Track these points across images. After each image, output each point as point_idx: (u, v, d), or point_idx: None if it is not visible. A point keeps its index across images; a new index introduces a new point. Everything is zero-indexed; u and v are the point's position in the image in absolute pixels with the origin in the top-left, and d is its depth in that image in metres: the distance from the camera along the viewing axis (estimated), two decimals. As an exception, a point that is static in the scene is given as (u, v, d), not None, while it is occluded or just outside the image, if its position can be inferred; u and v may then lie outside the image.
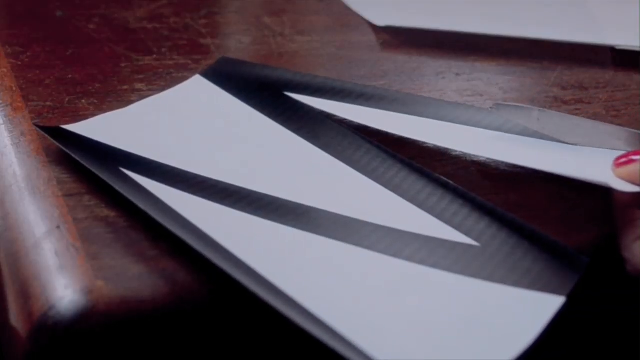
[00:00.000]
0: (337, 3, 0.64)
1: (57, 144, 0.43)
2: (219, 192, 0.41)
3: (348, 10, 0.63)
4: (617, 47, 0.58)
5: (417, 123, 0.47)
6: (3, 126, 0.46)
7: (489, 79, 0.54)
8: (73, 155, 0.42)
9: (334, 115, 0.47)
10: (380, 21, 0.60)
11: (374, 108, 0.48)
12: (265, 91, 0.49)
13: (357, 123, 0.47)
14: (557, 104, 0.52)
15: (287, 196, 0.41)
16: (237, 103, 0.48)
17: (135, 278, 0.37)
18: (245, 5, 0.64)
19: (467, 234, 0.40)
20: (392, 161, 0.44)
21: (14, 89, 0.49)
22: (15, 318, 0.37)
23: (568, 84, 0.54)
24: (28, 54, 0.53)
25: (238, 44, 0.58)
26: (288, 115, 0.47)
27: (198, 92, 0.50)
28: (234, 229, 0.39)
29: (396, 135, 0.46)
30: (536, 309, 0.36)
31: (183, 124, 0.47)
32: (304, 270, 0.37)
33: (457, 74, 0.55)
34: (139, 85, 0.50)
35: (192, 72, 0.52)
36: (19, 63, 0.52)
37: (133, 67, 0.53)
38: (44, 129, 0.45)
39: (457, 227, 0.40)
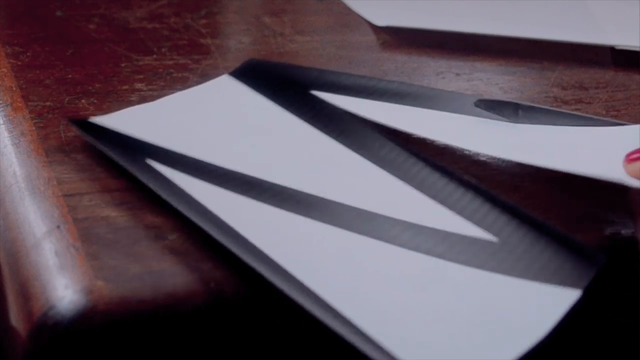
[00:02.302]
0: (337, 3, 0.64)
1: (86, 136, 0.44)
2: (243, 185, 0.42)
3: (348, 10, 0.63)
4: (617, 47, 0.58)
5: (440, 119, 0.47)
6: (3, 126, 0.46)
7: (489, 79, 0.54)
8: (100, 147, 0.43)
9: (358, 114, 0.48)
10: (380, 21, 0.60)
11: (398, 104, 0.49)
12: (291, 90, 0.49)
13: (380, 121, 0.47)
14: (557, 104, 0.52)
15: (310, 190, 0.42)
16: (263, 101, 0.49)
17: (135, 278, 0.36)
18: (245, 5, 0.64)
19: (486, 229, 0.40)
20: (415, 159, 0.44)
21: (14, 89, 0.49)
22: (15, 318, 0.37)
23: (568, 84, 0.54)
24: (28, 54, 0.53)
25: (238, 44, 0.58)
26: (313, 114, 0.48)
27: (225, 89, 0.50)
28: (257, 220, 0.40)
29: (414, 133, 0.46)
30: (553, 301, 0.36)
31: (209, 119, 0.47)
32: (324, 262, 0.38)
33: (457, 74, 0.55)
34: (139, 85, 0.50)
35: (192, 72, 0.52)
36: (19, 63, 0.52)
37: (133, 67, 0.53)
38: (74, 121, 0.45)
39: (477, 223, 0.40)
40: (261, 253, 0.37)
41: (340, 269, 0.38)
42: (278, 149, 0.45)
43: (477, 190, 0.42)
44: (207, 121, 0.47)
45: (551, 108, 0.48)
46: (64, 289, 0.36)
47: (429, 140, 0.46)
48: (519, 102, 0.48)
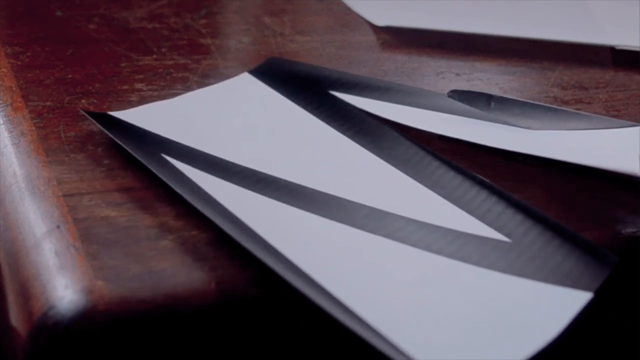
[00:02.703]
0: (337, 3, 0.64)
1: (102, 128, 0.44)
2: (257, 182, 0.42)
3: (348, 10, 0.63)
4: (617, 47, 0.58)
5: (459, 123, 0.48)
6: (3, 126, 0.46)
7: (489, 79, 0.54)
8: (116, 140, 0.43)
9: (375, 114, 0.48)
10: (380, 21, 0.60)
11: (418, 108, 0.49)
12: (311, 90, 0.50)
13: (397, 122, 0.48)
14: (557, 104, 0.52)
15: (325, 188, 0.42)
16: (281, 99, 0.49)
17: (135, 278, 0.36)
18: (245, 5, 0.64)
19: (499, 230, 0.40)
20: (430, 158, 0.45)
21: (14, 89, 0.49)
22: (15, 318, 0.37)
23: (568, 84, 0.54)
24: (28, 54, 0.53)
25: (238, 44, 0.58)
26: (331, 113, 0.48)
27: (244, 87, 0.51)
28: (270, 217, 0.40)
29: (435, 133, 0.47)
30: (563, 303, 0.36)
31: (227, 116, 0.48)
32: (336, 260, 0.38)
33: (457, 74, 0.55)
34: (139, 85, 0.50)
35: (192, 72, 0.52)
36: (19, 63, 0.52)
37: (133, 67, 0.53)
38: (91, 114, 0.45)
39: (490, 224, 0.40)
40: (274, 250, 0.37)
41: (351, 268, 0.38)
42: (294, 148, 0.45)
43: (490, 190, 0.42)
44: (225, 118, 0.47)
45: (527, 100, 0.49)
46: (64, 289, 0.36)
47: (434, 135, 0.47)
48: (492, 93, 0.49)
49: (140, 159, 0.42)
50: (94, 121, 0.45)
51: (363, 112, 0.48)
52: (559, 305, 0.36)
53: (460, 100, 0.49)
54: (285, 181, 0.42)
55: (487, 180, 0.43)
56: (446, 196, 0.42)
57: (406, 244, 0.39)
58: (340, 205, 0.41)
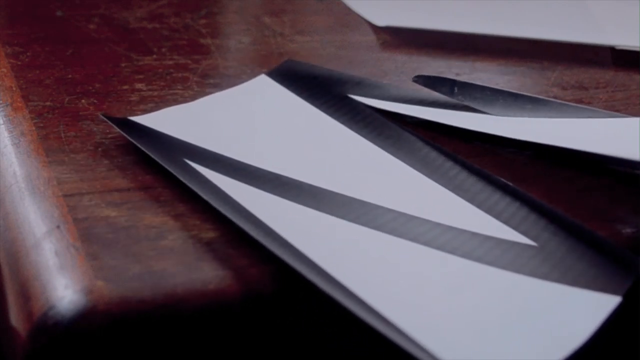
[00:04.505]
0: (337, 3, 0.64)
1: (124, 134, 0.44)
2: (281, 186, 0.42)
3: (348, 10, 0.63)
4: (617, 47, 0.58)
5: (482, 120, 0.48)
6: (3, 126, 0.46)
7: (489, 79, 0.54)
8: (139, 145, 0.43)
9: (394, 115, 0.48)
10: (380, 21, 0.60)
11: (437, 108, 0.49)
12: (329, 92, 0.50)
13: (417, 118, 0.48)
14: (557, 104, 0.52)
15: (347, 192, 0.42)
16: (300, 102, 0.49)
17: (135, 278, 0.36)
18: (245, 5, 0.64)
19: (524, 233, 0.40)
20: (452, 162, 0.44)
21: (14, 89, 0.49)
22: (15, 318, 0.37)
23: (568, 84, 0.54)
24: (28, 54, 0.53)
25: (238, 44, 0.58)
26: (351, 116, 0.48)
27: (262, 90, 0.50)
28: (294, 221, 0.40)
29: (457, 127, 0.47)
30: (592, 307, 0.36)
31: (247, 120, 0.48)
32: (363, 264, 0.38)
33: (457, 74, 0.55)
34: (139, 85, 0.50)
35: (192, 72, 0.52)
36: (19, 63, 0.52)
37: (133, 67, 0.53)
38: (111, 119, 0.45)
39: (515, 227, 0.40)
40: (299, 253, 0.37)
41: (377, 271, 0.37)
42: (315, 151, 0.45)
43: (513, 193, 0.42)
44: (245, 122, 0.47)
45: (488, 85, 0.49)
46: (64, 289, 0.36)
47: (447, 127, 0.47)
48: (455, 79, 0.49)
49: (163, 164, 0.42)
50: (115, 126, 0.45)
51: (382, 114, 0.48)
52: (589, 309, 0.36)
53: (425, 84, 0.49)
54: (309, 185, 0.42)
55: (510, 184, 0.43)
56: (470, 199, 0.42)
57: (432, 247, 0.39)
58: (365, 209, 0.41)
